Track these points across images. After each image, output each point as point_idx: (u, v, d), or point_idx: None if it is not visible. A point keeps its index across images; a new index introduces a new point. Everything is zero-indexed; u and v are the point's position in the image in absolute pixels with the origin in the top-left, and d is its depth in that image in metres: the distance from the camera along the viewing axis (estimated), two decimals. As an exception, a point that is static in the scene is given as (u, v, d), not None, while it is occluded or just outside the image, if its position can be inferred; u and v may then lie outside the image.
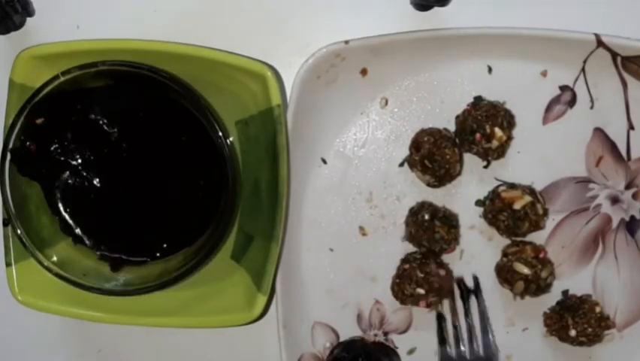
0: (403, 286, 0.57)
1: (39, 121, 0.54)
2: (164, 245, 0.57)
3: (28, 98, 0.53)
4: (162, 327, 0.57)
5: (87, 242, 0.57)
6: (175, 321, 0.56)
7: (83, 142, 0.56)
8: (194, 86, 0.54)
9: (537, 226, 0.57)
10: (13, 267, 0.55)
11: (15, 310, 0.56)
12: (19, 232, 0.54)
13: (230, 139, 0.55)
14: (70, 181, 0.57)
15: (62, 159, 0.56)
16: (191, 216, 0.56)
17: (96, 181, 0.56)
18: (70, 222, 0.57)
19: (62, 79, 0.53)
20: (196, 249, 0.56)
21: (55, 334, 0.62)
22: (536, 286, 0.57)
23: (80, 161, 0.56)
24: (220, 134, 0.53)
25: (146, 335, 0.61)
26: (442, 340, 0.59)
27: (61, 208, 0.57)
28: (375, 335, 0.60)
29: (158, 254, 0.57)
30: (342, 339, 0.60)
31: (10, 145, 0.53)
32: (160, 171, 0.56)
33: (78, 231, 0.57)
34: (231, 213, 0.54)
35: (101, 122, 0.56)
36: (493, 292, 0.60)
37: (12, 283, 0.55)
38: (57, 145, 0.56)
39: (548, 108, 0.59)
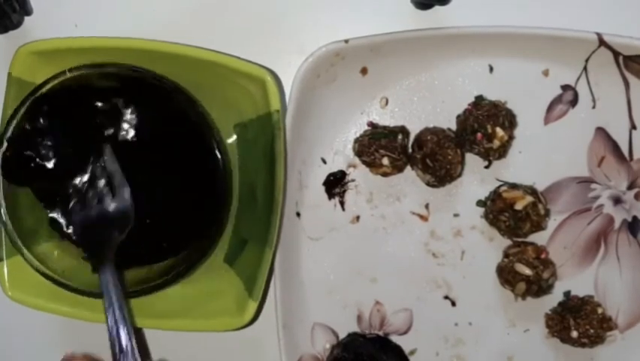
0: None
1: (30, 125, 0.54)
2: (152, 251, 0.56)
3: (32, 89, 0.53)
4: (151, 329, 0.57)
5: (75, 238, 0.56)
6: (165, 323, 0.56)
7: (77, 143, 0.55)
8: (194, 87, 0.54)
9: (539, 226, 0.57)
10: (5, 262, 0.55)
11: (9, 307, 0.56)
12: (8, 227, 0.53)
13: (230, 141, 0.55)
14: (60, 183, 0.56)
15: (55, 160, 0.55)
16: (181, 224, 0.56)
17: (87, 183, 0.56)
18: (62, 221, 0.56)
19: (69, 75, 0.53)
20: (183, 257, 0.55)
21: (50, 332, 0.62)
22: (538, 287, 0.57)
23: (72, 163, 0.56)
24: (216, 146, 0.53)
25: (144, 336, 0.61)
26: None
27: (50, 208, 0.56)
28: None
29: (147, 259, 0.56)
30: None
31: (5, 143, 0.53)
32: (153, 176, 0.56)
33: (70, 230, 0.56)
34: (220, 226, 0.54)
35: (97, 124, 0.55)
36: (495, 293, 0.59)
37: (2, 279, 0.55)
38: (51, 145, 0.55)
39: (550, 108, 0.59)
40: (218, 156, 0.53)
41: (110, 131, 0.55)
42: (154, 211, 0.56)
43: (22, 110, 0.53)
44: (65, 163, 0.55)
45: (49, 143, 0.55)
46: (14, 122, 0.53)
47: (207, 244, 0.54)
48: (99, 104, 0.55)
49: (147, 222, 0.56)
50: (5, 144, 0.53)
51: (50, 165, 0.55)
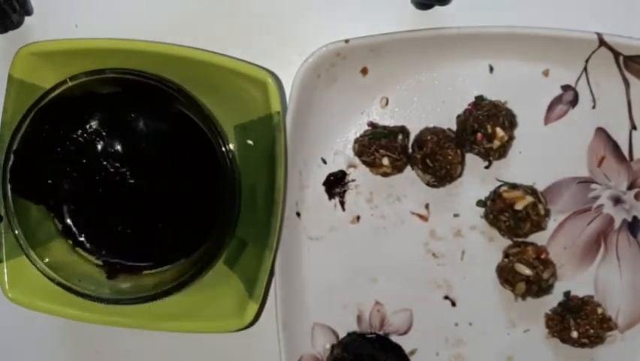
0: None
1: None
2: (162, 255, 0.56)
3: (34, 101, 0.53)
4: (152, 330, 0.57)
5: (88, 247, 0.57)
6: (165, 325, 0.56)
7: (85, 150, 0.56)
8: (194, 87, 0.54)
9: (539, 226, 0.57)
10: (5, 263, 0.55)
11: (9, 308, 0.56)
12: (16, 231, 0.53)
13: (231, 146, 0.55)
14: (71, 189, 0.56)
15: (64, 166, 0.55)
16: (191, 227, 0.56)
17: (97, 190, 0.56)
18: (74, 229, 0.57)
19: (70, 84, 0.53)
20: (193, 260, 0.56)
21: (52, 334, 0.62)
22: (538, 287, 0.57)
23: (81, 169, 0.56)
24: (223, 149, 0.53)
25: (145, 337, 0.61)
26: None
27: (64, 214, 0.57)
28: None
29: (155, 263, 0.56)
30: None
31: (15, 147, 0.53)
32: (161, 180, 0.56)
33: (82, 238, 0.56)
34: (230, 226, 0.54)
35: (104, 130, 0.55)
36: (495, 293, 0.59)
37: (2, 280, 0.55)
38: (59, 151, 0.55)
39: (550, 108, 0.59)
40: (226, 157, 0.53)
41: (118, 136, 0.55)
42: (164, 213, 0.56)
43: (27, 122, 0.53)
44: (72, 173, 0.56)
45: (55, 154, 0.55)
46: (19, 134, 0.53)
47: (217, 245, 0.54)
48: (105, 110, 0.55)
49: (160, 223, 0.56)
50: (12, 157, 0.53)
51: (58, 177, 0.55)
